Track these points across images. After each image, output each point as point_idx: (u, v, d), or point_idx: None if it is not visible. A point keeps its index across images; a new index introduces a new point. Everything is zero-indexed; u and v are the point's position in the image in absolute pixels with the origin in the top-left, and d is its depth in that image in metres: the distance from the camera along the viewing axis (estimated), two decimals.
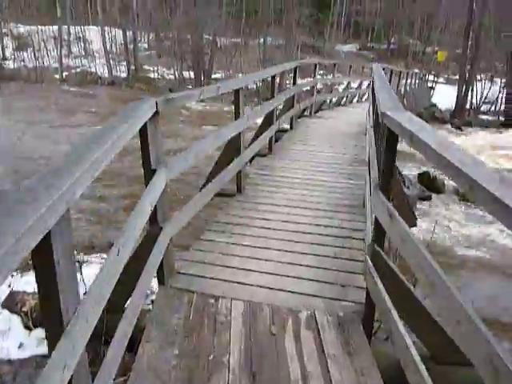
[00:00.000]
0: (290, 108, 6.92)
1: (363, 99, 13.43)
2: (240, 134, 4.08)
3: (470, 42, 21.91)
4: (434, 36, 42.23)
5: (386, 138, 2.26)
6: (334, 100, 11.17)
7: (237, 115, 4.01)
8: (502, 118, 20.88)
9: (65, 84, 19.56)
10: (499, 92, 24.39)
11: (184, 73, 25.59)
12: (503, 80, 27.14)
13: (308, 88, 8.93)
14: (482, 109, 24.23)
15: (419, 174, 8.21)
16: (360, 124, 8.18)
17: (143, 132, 2.24)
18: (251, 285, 2.77)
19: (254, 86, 28.33)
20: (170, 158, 2.75)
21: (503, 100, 23.67)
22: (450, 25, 41.00)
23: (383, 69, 6.40)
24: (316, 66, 8.13)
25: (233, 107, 4.13)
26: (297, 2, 27.95)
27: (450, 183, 8.68)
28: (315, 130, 7.44)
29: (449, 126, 18.04)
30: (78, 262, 3.12)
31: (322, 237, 3.43)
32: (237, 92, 3.95)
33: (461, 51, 36.71)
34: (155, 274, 2.57)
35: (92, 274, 1.89)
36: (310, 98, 8.10)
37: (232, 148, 4.19)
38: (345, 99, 11.39)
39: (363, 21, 43.48)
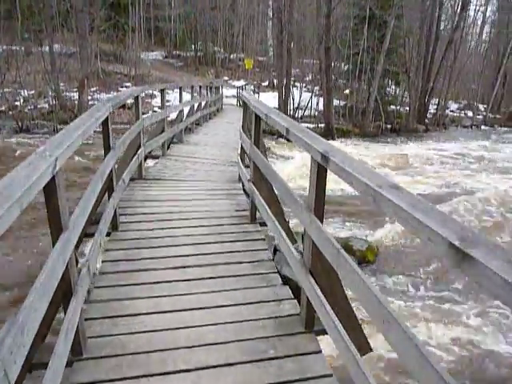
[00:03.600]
0: (108, 188, 3.52)
1: (194, 127, 10.42)
2: None
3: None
4: (236, 44, 42.79)
5: None
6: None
7: None
8: (321, 125, 21.11)
9: None
10: (310, 98, 25.11)
11: None
12: (305, 86, 28.52)
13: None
14: (297, 115, 24.43)
15: None
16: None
17: None
18: None
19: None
20: None
21: (312, 105, 24.56)
22: (250, 32, 42.03)
23: None
24: (138, 98, 4.82)
25: None
26: (87, 3, 23.28)
27: None
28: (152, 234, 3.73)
29: (281, 139, 16.76)
30: None
31: None
32: None
33: (266, 59, 37.90)
34: None
35: None
36: (137, 154, 4.82)
37: None
38: (179, 133, 8.25)
39: (165, 27, 40.96)
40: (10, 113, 20.51)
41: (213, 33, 41.68)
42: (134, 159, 4.82)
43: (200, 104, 11.04)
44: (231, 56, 42.33)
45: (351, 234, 8.14)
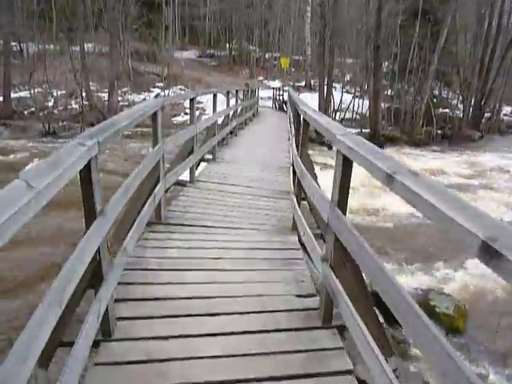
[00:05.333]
0: (93, 277, 2.11)
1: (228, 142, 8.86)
2: None
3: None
4: (271, 42, 41.27)
5: None
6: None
7: None
8: (365, 130, 19.17)
9: None
10: (352, 100, 23.26)
11: None
12: (344, 87, 26.62)
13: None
14: (337, 118, 22.60)
15: None
16: None
17: None
18: None
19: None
20: None
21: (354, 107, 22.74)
22: (287, 30, 40.32)
23: None
24: (156, 114, 3.40)
25: None
26: (119, 1, 22.34)
27: None
28: None
29: (325, 147, 15.11)
30: None
31: None
32: None
33: (303, 58, 36.11)
34: None
35: None
36: (153, 194, 3.43)
37: None
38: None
39: (200, 25, 39.94)
40: (41, 114, 19.76)
41: (248, 31, 40.26)
42: (148, 203, 3.38)
43: (235, 110, 9.60)
44: (266, 55, 40.73)
45: (419, 278, 6.49)
